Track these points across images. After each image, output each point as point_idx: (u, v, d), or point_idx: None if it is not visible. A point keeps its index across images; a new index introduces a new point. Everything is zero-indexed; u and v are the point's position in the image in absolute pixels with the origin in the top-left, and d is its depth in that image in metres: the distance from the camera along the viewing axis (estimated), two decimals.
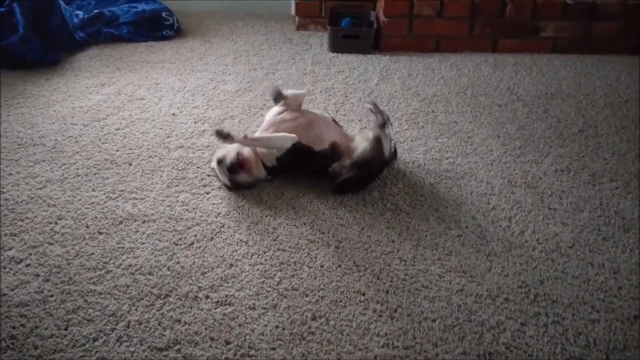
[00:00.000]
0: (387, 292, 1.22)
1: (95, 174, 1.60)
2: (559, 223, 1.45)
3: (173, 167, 1.65)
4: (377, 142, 1.48)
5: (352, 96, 2.13)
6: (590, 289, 1.24)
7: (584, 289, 1.24)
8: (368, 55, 2.52)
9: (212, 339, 1.09)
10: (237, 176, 1.49)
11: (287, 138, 1.48)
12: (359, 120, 1.94)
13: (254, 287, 1.22)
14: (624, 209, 1.51)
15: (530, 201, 1.54)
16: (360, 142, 1.51)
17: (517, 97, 2.15)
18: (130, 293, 1.19)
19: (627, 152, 1.78)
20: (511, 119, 1.99)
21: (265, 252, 1.32)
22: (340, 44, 2.53)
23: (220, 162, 1.50)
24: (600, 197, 1.56)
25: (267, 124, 1.59)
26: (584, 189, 1.60)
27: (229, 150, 1.50)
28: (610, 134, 1.90)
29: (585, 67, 2.45)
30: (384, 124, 1.55)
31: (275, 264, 1.29)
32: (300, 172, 1.59)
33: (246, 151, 1.49)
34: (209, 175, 1.61)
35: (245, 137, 1.46)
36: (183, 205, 1.47)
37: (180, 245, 1.34)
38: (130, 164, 1.66)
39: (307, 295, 1.20)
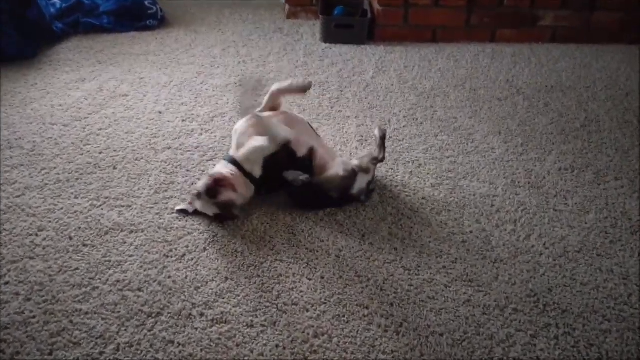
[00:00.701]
0: (392, 304, 1.16)
1: (78, 179, 1.50)
2: (566, 226, 1.41)
3: (161, 171, 1.55)
4: (352, 174, 1.38)
5: (347, 90, 2.05)
6: (600, 296, 1.20)
7: (594, 297, 1.20)
8: (362, 46, 2.42)
9: None
10: (219, 197, 1.31)
11: (286, 130, 1.38)
12: (356, 117, 1.86)
13: (251, 303, 1.15)
14: (630, 209, 1.47)
15: (535, 202, 1.48)
16: (338, 167, 1.40)
17: (517, 90, 2.09)
18: (119, 312, 1.11)
19: (630, 149, 1.74)
20: (512, 114, 1.92)
21: (262, 264, 1.25)
22: (333, 34, 2.43)
23: (198, 195, 1.33)
24: (606, 197, 1.52)
25: (240, 135, 1.41)
26: (589, 188, 1.55)
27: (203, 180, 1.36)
28: (613, 129, 1.85)
29: (584, 57, 2.39)
30: (376, 162, 1.44)
31: (273, 276, 1.22)
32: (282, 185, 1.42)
33: (226, 171, 1.35)
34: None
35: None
36: (173, 213, 1.39)
37: (171, 257, 1.26)
38: (114, 168, 1.56)
39: (307, 310, 1.14)
